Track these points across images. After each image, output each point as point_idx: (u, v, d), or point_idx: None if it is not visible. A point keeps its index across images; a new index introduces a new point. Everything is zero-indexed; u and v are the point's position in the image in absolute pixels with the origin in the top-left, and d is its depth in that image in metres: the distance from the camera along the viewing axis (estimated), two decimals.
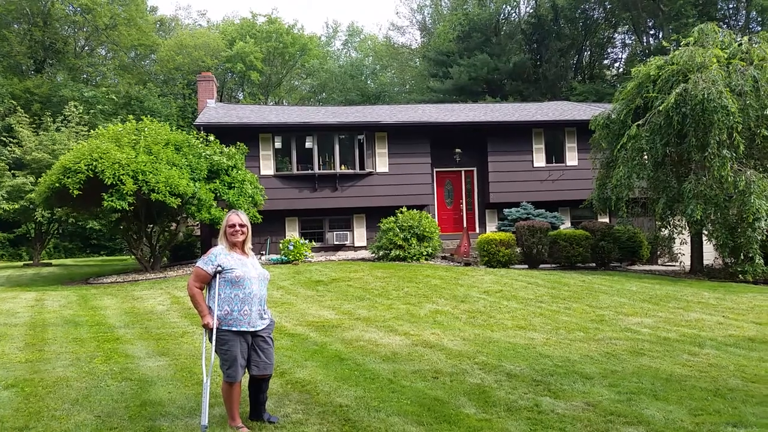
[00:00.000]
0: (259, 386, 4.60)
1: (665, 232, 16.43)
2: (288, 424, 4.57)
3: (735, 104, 13.25)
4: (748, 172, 13.66)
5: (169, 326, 8.79)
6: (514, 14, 44.02)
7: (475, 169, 20.70)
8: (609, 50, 44.45)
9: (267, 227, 18.10)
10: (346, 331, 8.24)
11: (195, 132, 16.99)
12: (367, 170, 19.32)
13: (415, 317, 9.25)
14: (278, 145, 19.19)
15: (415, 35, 60.39)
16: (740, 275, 14.08)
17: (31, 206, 20.79)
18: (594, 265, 16.12)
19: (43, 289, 14.21)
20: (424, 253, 15.95)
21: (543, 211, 18.13)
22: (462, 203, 20.71)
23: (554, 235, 15.74)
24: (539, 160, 20.37)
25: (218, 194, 15.60)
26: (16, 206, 21.17)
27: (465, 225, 20.21)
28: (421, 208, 18.50)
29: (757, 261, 13.77)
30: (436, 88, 39.93)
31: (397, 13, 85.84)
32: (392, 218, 16.37)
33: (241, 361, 4.44)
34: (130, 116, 17.60)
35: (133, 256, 19.56)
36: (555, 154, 20.54)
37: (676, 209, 15.00)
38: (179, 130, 18.65)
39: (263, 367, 4.53)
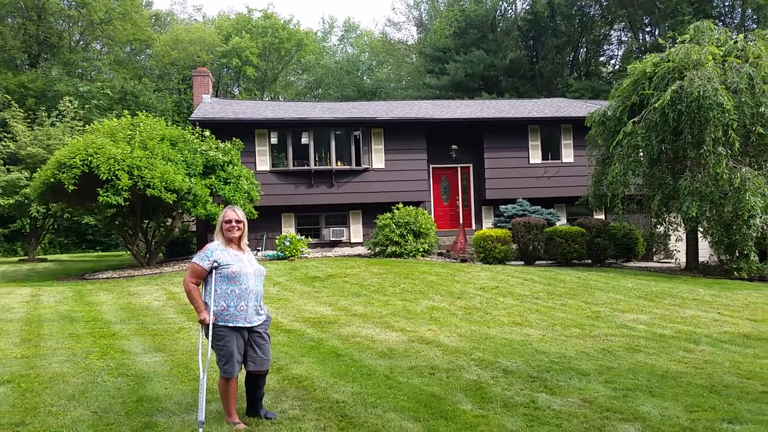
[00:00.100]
0: (255, 382, 4.60)
1: (661, 228, 16.49)
2: (285, 419, 4.57)
3: (730, 102, 13.28)
4: (744, 170, 13.71)
5: (166, 322, 8.78)
6: (510, 11, 44.00)
7: (471, 165, 20.71)
8: (605, 47, 44.52)
9: (263, 223, 18.08)
10: (343, 327, 8.24)
11: (190, 127, 16.93)
12: (364, 166, 19.31)
13: (412, 313, 9.26)
14: (274, 140, 19.16)
15: (412, 31, 60.38)
16: (735, 272, 14.14)
17: (26, 201, 20.70)
18: (590, 261, 16.16)
19: (39, 284, 14.16)
20: (421, 249, 15.96)
21: (539, 207, 18.16)
22: (458, 200, 20.72)
23: (550, 231, 15.77)
24: (535, 156, 20.40)
25: (214, 190, 15.56)
26: (11, 201, 21.07)
27: (461, 221, 20.22)
28: (417, 204, 18.51)
29: (752, 258, 13.84)
30: (433, 84, 39.90)
31: (394, 8, 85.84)
32: (388, 214, 16.37)
33: (238, 357, 4.44)
34: (126, 111, 17.54)
35: (128, 252, 19.52)
36: (551, 150, 20.57)
37: (672, 206, 15.05)
38: (175, 125, 18.62)
39: (260, 363, 4.53)
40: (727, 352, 6.97)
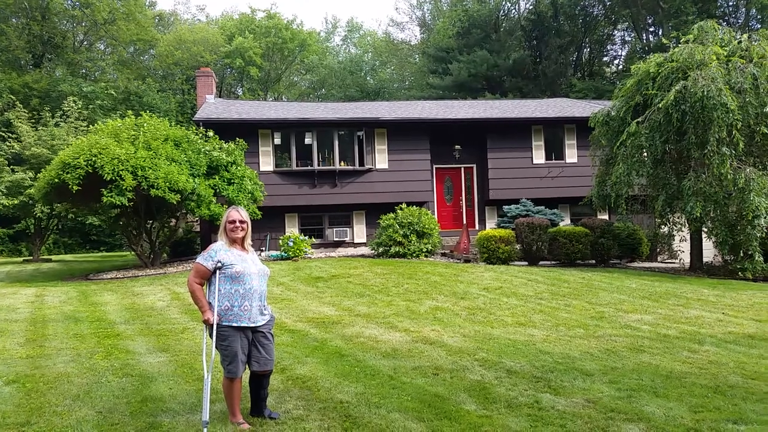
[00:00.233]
0: (259, 382, 4.61)
1: (665, 229, 16.46)
2: (289, 420, 4.58)
3: (734, 102, 13.25)
4: (748, 170, 13.67)
5: (170, 322, 8.79)
6: (513, 11, 43.97)
7: (474, 165, 20.70)
8: (608, 47, 44.43)
9: (267, 223, 18.10)
10: (347, 327, 8.25)
11: (194, 128, 16.95)
12: (367, 166, 19.31)
13: (415, 314, 9.25)
14: (277, 141, 19.17)
15: (415, 31, 60.34)
16: (740, 272, 14.11)
17: (30, 202, 20.75)
18: (593, 262, 16.14)
19: (43, 284, 14.20)
20: (424, 249, 15.96)
21: (542, 208, 18.14)
22: (461, 200, 20.71)
23: (554, 232, 15.75)
24: (539, 157, 20.37)
25: (218, 190, 15.59)
26: (16, 202, 21.13)
27: (464, 222, 20.21)
28: (420, 204, 18.50)
29: (756, 258, 13.80)
30: (436, 84, 39.88)
31: (397, 9, 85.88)
32: (392, 215, 16.37)
33: (242, 357, 4.45)
34: (129, 111, 17.58)
35: (132, 252, 19.56)
36: (554, 151, 20.53)
37: (676, 206, 15.02)
38: (178, 125, 18.64)
39: (264, 363, 4.54)
40: (732, 353, 6.95)
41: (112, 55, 43.23)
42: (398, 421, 4.55)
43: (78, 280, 15.31)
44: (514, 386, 5.46)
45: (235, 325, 4.42)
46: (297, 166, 19.00)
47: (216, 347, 4.48)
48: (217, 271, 4.51)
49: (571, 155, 20.45)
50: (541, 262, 15.76)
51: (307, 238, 16.88)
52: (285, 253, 15.94)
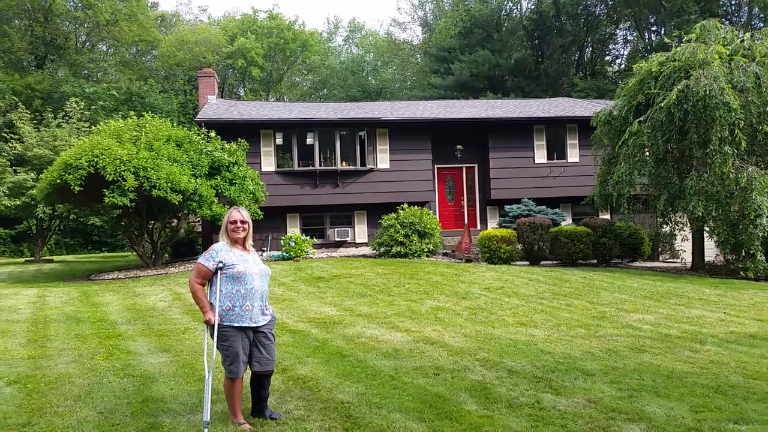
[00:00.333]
0: (260, 382, 4.61)
1: (666, 228, 16.43)
2: (290, 420, 4.58)
3: (737, 101, 13.22)
4: (750, 169, 13.64)
5: (171, 323, 8.80)
6: (515, 10, 43.94)
7: (476, 165, 20.69)
8: (611, 46, 44.37)
9: (268, 223, 18.11)
10: (348, 327, 8.25)
11: (196, 128, 16.97)
12: (368, 166, 19.31)
13: (417, 314, 9.25)
14: (279, 141, 19.18)
15: (417, 31, 60.32)
16: (742, 272, 14.08)
17: (32, 202, 20.79)
18: (595, 261, 16.12)
19: (45, 285, 14.23)
20: (425, 249, 15.95)
21: (544, 207, 18.13)
22: (463, 200, 20.70)
23: (555, 231, 15.74)
24: (540, 156, 20.36)
25: (219, 190, 15.60)
26: (18, 202, 21.18)
27: (466, 221, 20.21)
28: (422, 204, 18.50)
29: (758, 258, 13.77)
30: (438, 84, 39.87)
31: (399, 9, 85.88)
32: (393, 215, 16.37)
33: (243, 357, 4.45)
34: (131, 112, 17.60)
35: (134, 253, 19.58)
36: (556, 150, 20.52)
37: (678, 206, 14.99)
38: (180, 126, 18.67)
39: (265, 363, 4.54)
40: (733, 352, 6.94)
41: (114, 56, 43.30)
42: (399, 421, 4.55)
43: (80, 280, 15.34)
44: (516, 386, 5.46)
45: (236, 325, 4.43)
46: (299, 166, 19.01)
47: (217, 347, 4.49)
48: (219, 272, 4.51)
49: (573, 155, 20.43)
50: (542, 262, 15.75)
51: (308, 238, 16.89)
52: (286, 253, 15.95)
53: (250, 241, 4.75)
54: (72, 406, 4.94)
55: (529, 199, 18.51)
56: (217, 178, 15.75)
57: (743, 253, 14.27)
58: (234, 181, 15.93)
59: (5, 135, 24.89)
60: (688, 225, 15.61)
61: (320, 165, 19.02)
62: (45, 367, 6.27)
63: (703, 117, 13.44)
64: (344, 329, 8.12)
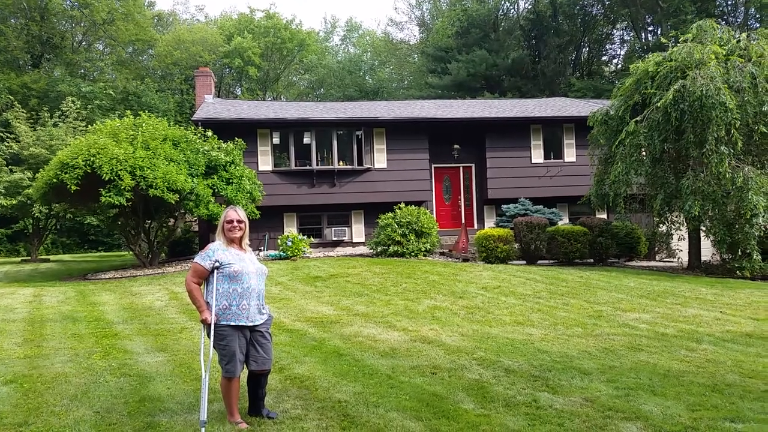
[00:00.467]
0: (257, 381, 4.61)
1: (663, 228, 16.47)
2: (287, 419, 4.58)
3: (733, 101, 13.26)
4: (746, 169, 13.68)
5: (168, 322, 8.79)
6: (512, 10, 43.97)
7: (473, 165, 20.70)
8: (607, 46, 44.44)
9: (265, 223, 18.09)
10: (345, 326, 8.25)
11: (193, 127, 16.94)
12: (366, 166, 19.31)
13: (414, 313, 9.26)
14: (276, 140, 19.16)
15: (414, 31, 60.32)
16: (738, 271, 14.12)
17: (28, 202, 20.73)
18: (592, 261, 16.15)
19: (41, 284, 14.19)
20: (423, 249, 15.96)
21: (541, 207, 18.15)
22: (460, 199, 20.72)
23: (552, 231, 15.76)
24: (537, 156, 20.38)
25: (216, 190, 15.57)
26: (14, 202, 21.12)
27: (463, 221, 20.22)
28: (419, 204, 18.51)
29: (754, 257, 13.82)
30: (435, 84, 39.88)
31: (396, 8, 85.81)
32: (390, 214, 16.37)
33: (240, 356, 4.45)
34: (128, 111, 17.58)
35: (131, 252, 19.56)
36: (553, 150, 20.55)
37: (674, 205, 15.03)
38: (177, 125, 18.65)
39: (262, 362, 4.54)
40: (730, 351, 6.96)
41: (110, 55, 43.21)
42: (396, 420, 4.55)
43: (76, 280, 15.30)
44: (512, 385, 5.47)
45: (233, 324, 4.43)
46: (296, 165, 18.99)
47: (214, 347, 4.48)
48: (215, 271, 4.51)
49: (570, 154, 20.46)
50: (539, 261, 15.76)
51: (305, 237, 16.88)
52: (283, 252, 15.94)
53: (246, 241, 4.75)
54: (68, 406, 4.93)
55: (526, 198, 18.52)
56: (213, 178, 15.73)
57: (739, 253, 14.32)
58: (231, 181, 15.91)
59: (1, 134, 24.81)
60: (685, 224, 15.65)
61: (317, 164, 19.00)
62: (41, 366, 6.25)
63: (700, 117, 13.47)
64: (341, 328, 8.12)
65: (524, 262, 15.66)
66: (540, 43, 40.33)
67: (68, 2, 38.73)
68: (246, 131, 18.43)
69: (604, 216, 19.51)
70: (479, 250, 15.58)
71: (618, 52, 44.56)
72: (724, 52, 14.60)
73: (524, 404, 4.93)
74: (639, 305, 10.06)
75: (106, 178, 13.56)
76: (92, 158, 13.63)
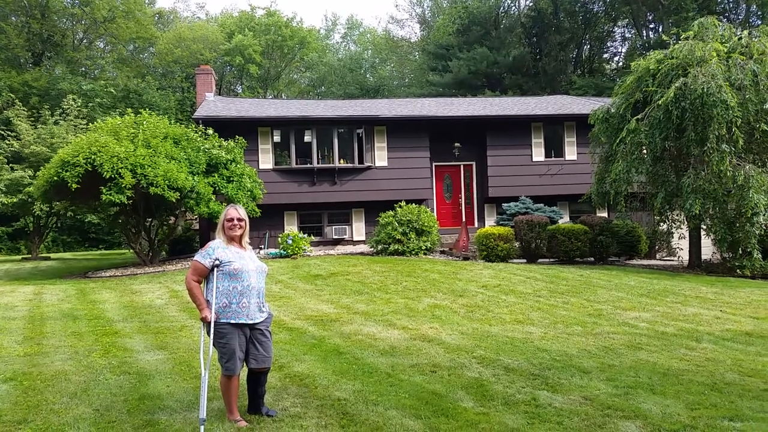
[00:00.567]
0: (257, 379, 4.61)
1: (664, 226, 16.46)
2: (286, 417, 4.58)
3: (734, 98, 13.23)
4: (747, 167, 13.66)
5: (168, 320, 8.80)
6: (513, 7, 43.92)
7: (474, 163, 20.68)
8: (609, 44, 44.41)
9: (266, 221, 18.09)
10: (345, 325, 8.25)
11: (193, 125, 16.94)
12: (366, 164, 19.30)
13: (414, 311, 9.26)
14: (277, 138, 19.16)
15: (415, 28, 60.32)
16: (738, 270, 14.11)
17: (29, 200, 20.75)
18: (592, 259, 16.14)
19: (42, 282, 14.21)
20: (423, 247, 15.96)
21: (542, 205, 18.14)
22: (461, 197, 20.71)
23: (553, 229, 15.75)
24: (538, 154, 20.36)
25: (217, 188, 15.58)
26: (15, 200, 21.14)
27: (464, 219, 20.21)
28: (419, 202, 18.50)
29: (755, 256, 13.81)
30: (436, 81, 39.84)
31: (397, 6, 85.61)
32: (391, 212, 16.37)
33: (240, 354, 4.45)
34: (129, 109, 17.56)
35: (131, 250, 19.57)
36: (554, 148, 20.52)
37: (675, 204, 15.01)
38: (178, 123, 18.62)
39: (261, 360, 4.54)
40: (729, 350, 6.96)
41: (111, 53, 43.22)
42: (395, 418, 4.56)
43: (76, 278, 15.31)
44: (512, 383, 5.47)
45: (233, 322, 4.43)
46: (296, 163, 18.99)
47: (214, 345, 4.49)
48: (215, 269, 4.51)
49: (571, 152, 20.43)
50: (539, 260, 15.76)
51: (306, 236, 16.89)
52: (284, 251, 15.94)
53: (246, 239, 4.75)
54: (68, 404, 4.94)
55: (527, 196, 18.52)
56: (214, 176, 15.73)
57: (740, 251, 14.32)
58: (232, 179, 15.91)
59: (2, 132, 24.84)
60: (685, 223, 15.64)
61: (318, 163, 19.00)
62: (41, 364, 6.26)
63: (701, 115, 13.45)
64: (341, 327, 8.12)
65: (525, 260, 15.66)
66: (541, 41, 40.29)
67: (69, 0, 38.73)
68: (247, 129, 18.42)
69: (605, 214, 19.50)
70: (480, 249, 15.57)
71: (619, 50, 44.59)
72: (726, 50, 14.57)
73: (523, 403, 4.93)
74: (639, 304, 10.06)
75: (107, 176, 13.57)
76: (93, 156, 13.63)
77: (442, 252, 16.94)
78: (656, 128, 14.27)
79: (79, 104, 26.41)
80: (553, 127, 20.55)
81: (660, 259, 18.16)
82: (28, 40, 37.36)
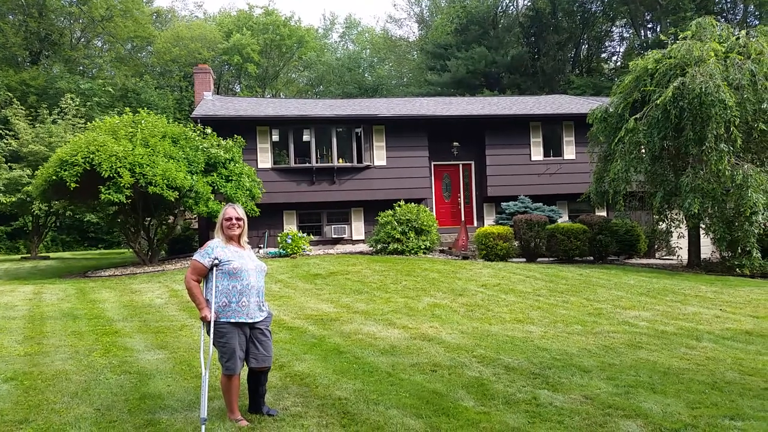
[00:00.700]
0: (258, 379, 4.61)
1: (663, 225, 16.48)
2: (287, 416, 4.58)
3: (732, 98, 13.25)
4: (746, 166, 13.69)
5: (168, 319, 8.79)
6: (512, 7, 43.93)
7: (472, 162, 20.69)
8: (607, 44, 44.45)
9: (265, 220, 18.08)
10: (345, 324, 8.25)
11: (192, 125, 16.92)
12: (365, 163, 19.30)
13: (414, 310, 9.26)
14: (276, 138, 19.15)
15: (413, 28, 60.29)
16: (737, 269, 14.13)
17: (28, 199, 20.72)
18: (592, 258, 16.16)
19: (41, 282, 14.19)
20: (422, 246, 15.97)
21: (541, 204, 18.16)
22: (460, 197, 20.71)
23: (552, 228, 15.76)
24: (537, 153, 20.38)
25: (216, 187, 15.56)
26: (13, 199, 21.10)
27: (463, 218, 20.21)
28: (419, 201, 18.51)
29: (754, 255, 13.83)
30: (434, 81, 39.84)
31: (395, 5, 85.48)
32: (390, 212, 16.37)
33: (240, 354, 4.45)
34: (127, 109, 17.54)
35: (130, 249, 19.55)
36: (553, 147, 20.54)
37: (674, 203, 15.03)
38: (176, 122, 18.62)
39: (262, 360, 4.54)
40: (729, 349, 6.97)
41: (109, 52, 43.14)
42: (396, 417, 4.56)
43: (76, 277, 15.29)
44: (512, 383, 5.47)
45: (233, 321, 4.42)
46: (295, 163, 18.98)
47: (214, 344, 4.48)
48: (215, 268, 4.51)
49: (570, 152, 20.45)
50: (539, 259, 15.77)
51: (305, 235, 16.87)
52: (283, 250, 15.93)
53: (245, 238, 4.75)
54: (69, 403, 4.93)
55: (526, 196, 18.53)
56: (213, 175, 15.72)
57: (739, 250, 14.33)
58: (230, 178, 15.89)
59: (0, 131, 24.78)
60: (684, 222, 15.66)
61: (317, 162, 18.99)
62: (42, 364, 6.26)
63: (699, 114, 13.47)
64: (341, 326, 8.12)
65: (524, 259, 15.67)
66: (539, 40, 40.31)
67: None
68: (245, 128, 18.41)
69: (604, 213, 19.52)
70: (479, 248, 15.58)
71: (617, 50, 44.64)
72: (724, 50, 14.59)
73: (524, 402, 4.94)
74: (639, 303, 10.07)
75: (106, 176, 13.55)
76: (91, 155, 13.61)
77: (442, 251, 16.95)
78: (655, 128, 14.28)
79: (77, 103, 26.35)
80: (552, 127, 20.56)
81: (659, 258, 18.18)
82: (26, 39, 37.28)
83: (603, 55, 44.83)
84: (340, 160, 19.20)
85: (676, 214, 15.95)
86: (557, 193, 20.10)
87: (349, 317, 8.74)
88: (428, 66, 42.66)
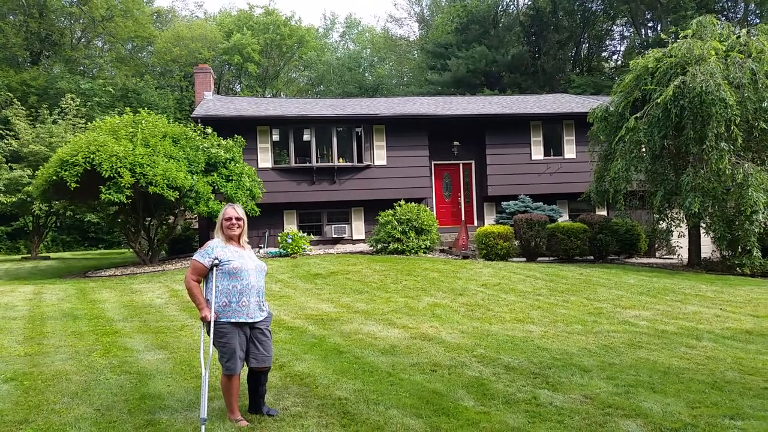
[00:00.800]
0: (258, 379, 4.61)
1: (663, 224, 16.46)
2: (287, 416, 4.58)
3: (733, 97, 13.24)
4: (746, 165, 13.67)
5: (168, 319, 8.79)
6: (512, 6, 43.90)
7: (473, 161, 20.69)
8: (607, 42, 44.41)
9: (265, 220, 18.09)
10: (345, 324, 8.25)
11: (192, 124, 16.93)
12: (365, 163, 19.30)
13: (414, 310, 9.26)
14: (276, 137, 19.15)
15: (413, 27, 60.21)
16: (738, 268, 14.12)
17: (28, 199, 20.73)
18: (592, 258, 16.15)
19: (42, 282, 14.20)
20: (423, 246, 15.96)
21: (541, 204, 18.15)
22: (460, 196, 20.71)
23: (552, 228, 15.75)
24: (537, 152, 20.37)
25: (216, 187, 15.57)
26: (14, 199, 21.11)
27: (463, 218, 20.21)
28: (419, 201, 18.51)
29: (754, 254, 13.81)
30: (434, 80, 39.84)
31: (395, 4, 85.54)
32: (390, 211, 16.37)
33: (240, 354, 4.45)
34: (128, 108, 17.54)
35: (131, 250, 19.56)
36: (553, 146, 20.53)
37: (674, 202, 15.02)
38: (177, 122, 18.62)
39: (262, 360, 4.54)
40: (729, 348, 6.96)
41: (110, 52, 43.15)
42: (396, 417, 4.56)
43: (76, 277, 15.30)
44: (512, 382, 5.47)
45: (233, 321, 4.42)
46: (295, 162, 18.98)
47: (214, 344, 4.48)
48: (215, 268, 4.51)
49: (570, 151, 20.44)
50: (539, 258, 15.77)
51: (305, 234, 16.87)
52: (283, 250, 15.93)
53: (245, 238, 4.75)
54: (69, 403, 4.94)
55: (526, 195, 18.52)
56: (213, 175, 15.72)
57: (739, 250, 14.32)
58: (231, 178, 15.89)
59: (1, 131, 24.79)
60: (685, 221, 15.65)
61: (317, 161, 19.00)
62: (42, 364, 6.26)
63: (700, 113, 13.45)
64: (341, 326, 8.12)
65: (524, 259, 15.67)
66: (540, 40, 40.29)
67: None
68: (246, 128, 18.42)
69: (604, 213, 19.52)
70: (479, 247, 15.58)
71: (618, 48, 44.60)
72: (724, 48, 14.58)
73: (524, 401, 4.94)
74: (639, 302, 10.06)
75: (106, 176, 13.56)
76: (92, 155, 13.62)
77: (442, 251, 16.95)
78: (655, 127, 14.27)
79: (78, 103, 26.36)
80: (552, 126, 20.55)
81: (659, 258, 18.17)
82: (26, 39, 37.29)
83: (603, 54, 44.82)
84: (341, 160, 19.20)
85: (676, 213, 15.94)
86: (557, 193, 20.09)
87: (349, 317, 8.74)
88: (428, 65, 42.65)
